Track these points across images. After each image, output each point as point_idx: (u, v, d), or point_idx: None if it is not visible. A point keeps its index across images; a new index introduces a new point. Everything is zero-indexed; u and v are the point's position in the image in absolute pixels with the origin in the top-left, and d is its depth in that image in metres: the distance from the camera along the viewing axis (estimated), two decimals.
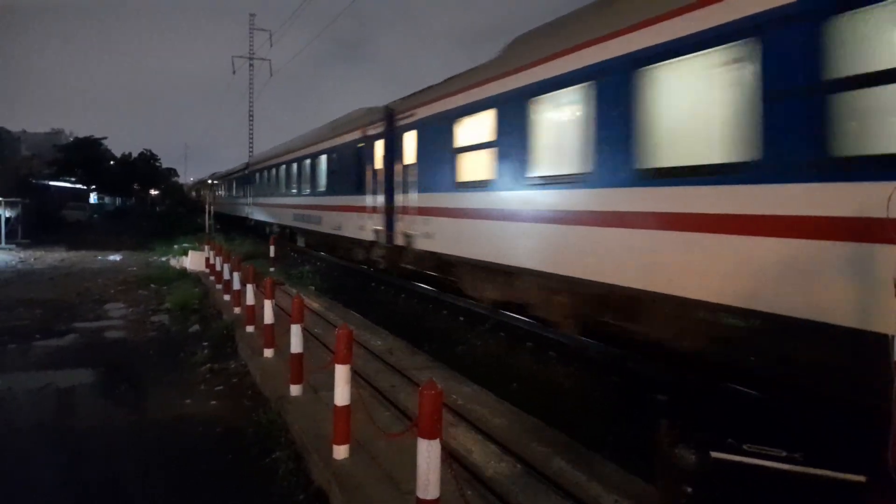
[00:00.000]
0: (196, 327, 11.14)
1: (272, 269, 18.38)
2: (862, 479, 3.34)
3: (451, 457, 4.25)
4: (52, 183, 55.48)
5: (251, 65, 63.36)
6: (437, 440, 3.45)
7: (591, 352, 8.82)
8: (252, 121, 62.79)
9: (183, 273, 18.39)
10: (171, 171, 68.78)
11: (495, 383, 7.26)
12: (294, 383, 6.73)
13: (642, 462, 4.75)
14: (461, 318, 11.87)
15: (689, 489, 4.21)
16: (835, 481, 3.45)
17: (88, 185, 59.47)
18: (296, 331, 6.74)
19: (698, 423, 4.74)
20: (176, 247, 24.06)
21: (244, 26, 62.86)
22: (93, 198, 65.03)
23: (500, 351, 9.51)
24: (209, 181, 55.02)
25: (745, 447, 3.61)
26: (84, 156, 55.61)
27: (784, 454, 3.55)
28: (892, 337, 3.27)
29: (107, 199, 67.34)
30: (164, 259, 22.22)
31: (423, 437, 3.45)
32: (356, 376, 5.98)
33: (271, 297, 8.33)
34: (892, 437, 3.17)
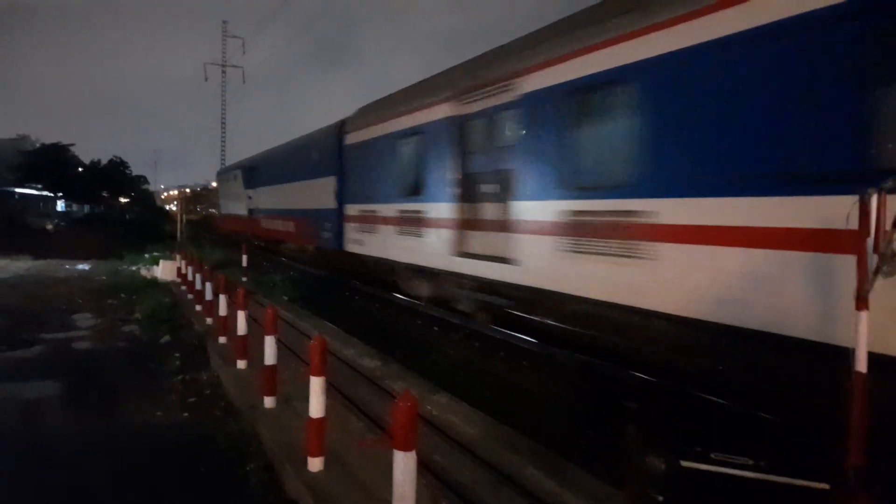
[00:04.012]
0: (167, 338, 11.01)
1: (244, 279, 18.22)
2: (825, 486, 3.44)
3: (426, 468, 4.29)
4: (17, 190, 54.17)
5: (223, 72, 63.07)
6: (413, 452, 3.48)
7: (561, 360, 8.92)
8: (224, 128, 62.37)
9: (153, 282, 18.14)
10: (141, 179, 67.65)
11: (469, 392, 7.30)
12: (267, 395, 6.70)
13: (613, 469, 4.83)
14: (435, 328, 11.90)
15: (659, 497, 4.29)
16: (799, 489, 3.55)
17: (55, 192, 58.29)
18: (269, 342, 6.72)
19: (668, 431, 4.83)
20: (146, 256, 23.73)
21: (217, 33, 62.69)
22: (60, 205, 63.67)
23: (474, 360, 9.55)
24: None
25: (712, 455, 3.70)
26: (50, 162, 54.55)
27: (750, 462, 3.64)
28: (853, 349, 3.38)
29: (74, 207, 66.20)
30: (133, 268, 21.89)
31: (399, 448, 3.48)
32: (329, 387, 5.97)
33: (244, 307, 8.27)
34: (851, 446, 3.28)
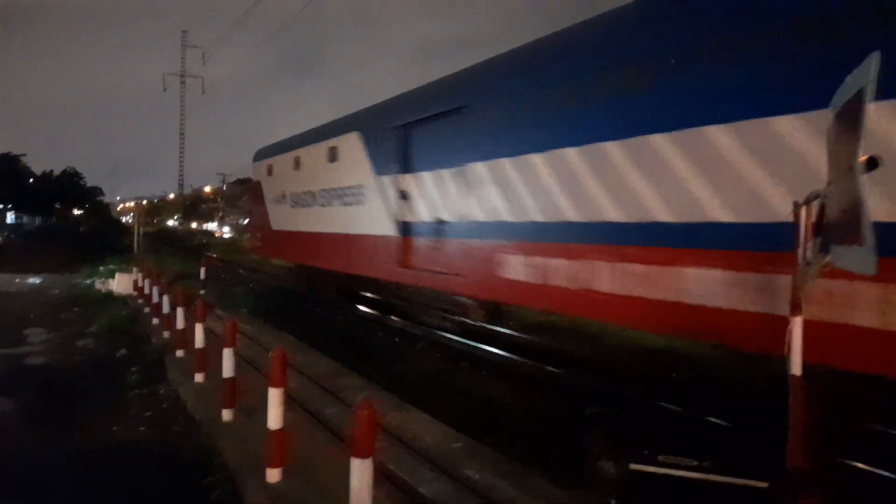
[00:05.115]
0: (123, 352, 10.84)
1: (203, 292, 18.00)
2: (765, 484, 3.62)
3: (384, 476, 4.35)
4: None
5: (183, 82, 62.35)
6: (370, 459, 3.55)
7: (523, 369, 9.07)
8: (183, 139, 61.59)
9: (109, 296, 17.80)
10: (96, 190, 66.27)
11: (431, 403, 7.37)
12: (226, 407, 6.68)
13: (572, 475, 4.96)
14: (396, 339, 11.95)
15: (613, 501, 4.44)
16: (741, 488, 3.72)
17: (5, 204, 56.77)
18: (227, 355, 6.71)
19: (626, 437, 4.98)
20: (101, 269, 23.25)
21: (178, 43, 62.05)
22: (10, 217, 61.98)
23: (436, 370, 9.63)
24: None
25: (659, 458, 3.85)
26: (0, 173, 53.15)
27: (695, 463, 3.80)
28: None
29: (25, 219, 64.50)
30: (88, 281, 21.43)
31: (356, 456, 3.54)
32: (290, 400, 5.99)
33: (202, 320, 8.22)
34: (789, 446, 3.46)
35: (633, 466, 3.96)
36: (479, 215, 8.72)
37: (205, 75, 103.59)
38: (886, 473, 5.09)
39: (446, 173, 9.55)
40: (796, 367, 3.54)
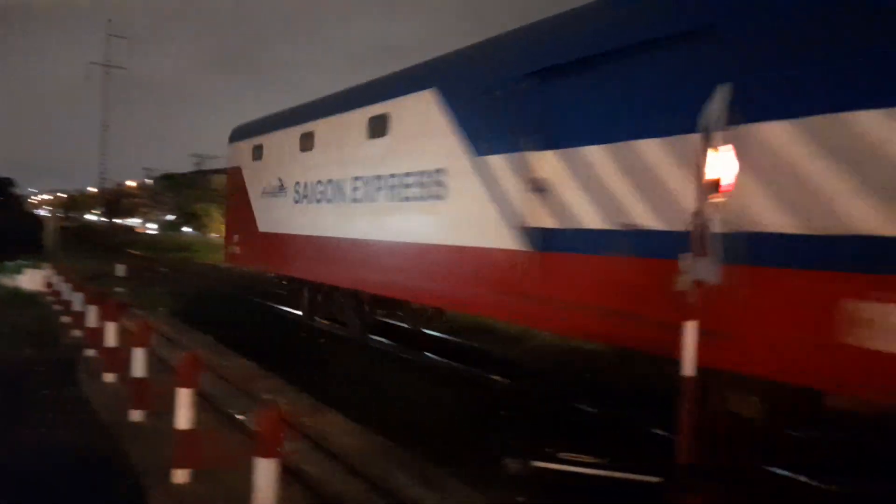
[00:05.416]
0: (29, 352, 10.33)
1: (119, 290, 17.36)
2: (658, 479, 3.81)
3: (294, 476, 4.34)
4: None
5: (107, 72, 60.22)
6: (275, 459, 3.54)
7: (442, 370, 9.19)
8: (105, 130, 59.36)
9: (17, 293, 16.93)
10: (7, 181, 62.96)
11: (351, 404, 7.35)
12: (136, 408, 6.50)
13: (485, 474, 5.06)
14: (322, 341, 11.87)
15: (521, 499, 4.56)
16: (637, 482, 3.90)
17: None
18: (138, 354, 6.53)
19: (545, 437, 5.12)
20: (9, 264, 22.06)
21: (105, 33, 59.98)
22: None
23: (357, 373, 9.62)
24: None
25: (559, 455, 4.00)
26: None
27: (595, 460, 3.97)
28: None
29: None
30: None
31: (261, 456, 3.53)
32: (204, 401, 5.88)
33: (113, 318, 7.96)
34: (678, 443, 3.66)
35: (536, 464, 4.10)
36: (773, 222, 4.32)
37: (131, 68, 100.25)
38: (782, 472, 5.38)
39: (654, 147, 5.51)
40: (688, 369, 3.75)
